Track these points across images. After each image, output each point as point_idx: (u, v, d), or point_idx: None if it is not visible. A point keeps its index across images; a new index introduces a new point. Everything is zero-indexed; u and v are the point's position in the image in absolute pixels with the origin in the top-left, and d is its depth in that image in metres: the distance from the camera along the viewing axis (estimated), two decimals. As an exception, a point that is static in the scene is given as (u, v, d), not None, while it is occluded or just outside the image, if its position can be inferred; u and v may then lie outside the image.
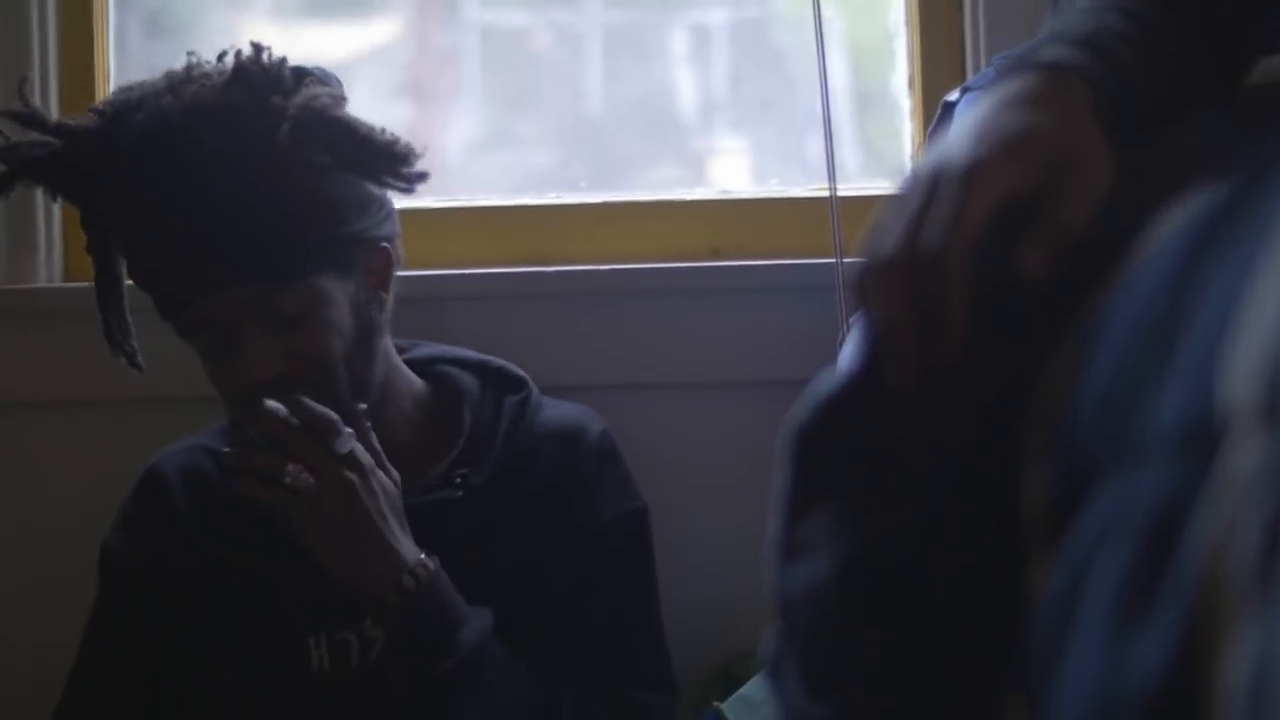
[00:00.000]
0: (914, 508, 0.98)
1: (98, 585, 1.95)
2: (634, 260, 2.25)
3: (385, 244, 1.89)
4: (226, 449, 1.78)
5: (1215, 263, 0.83)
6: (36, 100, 2.27)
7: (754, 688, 1.88)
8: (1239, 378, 0.73)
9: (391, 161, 1.80)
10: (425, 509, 1.89)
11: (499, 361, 2.03)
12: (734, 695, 1.90)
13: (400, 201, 2.35)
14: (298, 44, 2.42)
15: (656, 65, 2.55)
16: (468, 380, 2.00)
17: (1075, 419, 0.89)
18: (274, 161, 1.77)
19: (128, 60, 2.39)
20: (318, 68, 1.87)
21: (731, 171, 2.51)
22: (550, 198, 2.35)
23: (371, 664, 1.85)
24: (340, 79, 1.90)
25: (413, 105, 2.59)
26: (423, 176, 1.82)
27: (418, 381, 2.00)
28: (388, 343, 1.94)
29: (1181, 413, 0.78)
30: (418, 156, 1.81)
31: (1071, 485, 0.87)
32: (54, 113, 2.29)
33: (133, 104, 1.82)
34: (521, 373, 2.02)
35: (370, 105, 2.51)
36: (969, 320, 0.98)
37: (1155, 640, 0.76)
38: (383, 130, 1.80)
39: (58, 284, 2.28)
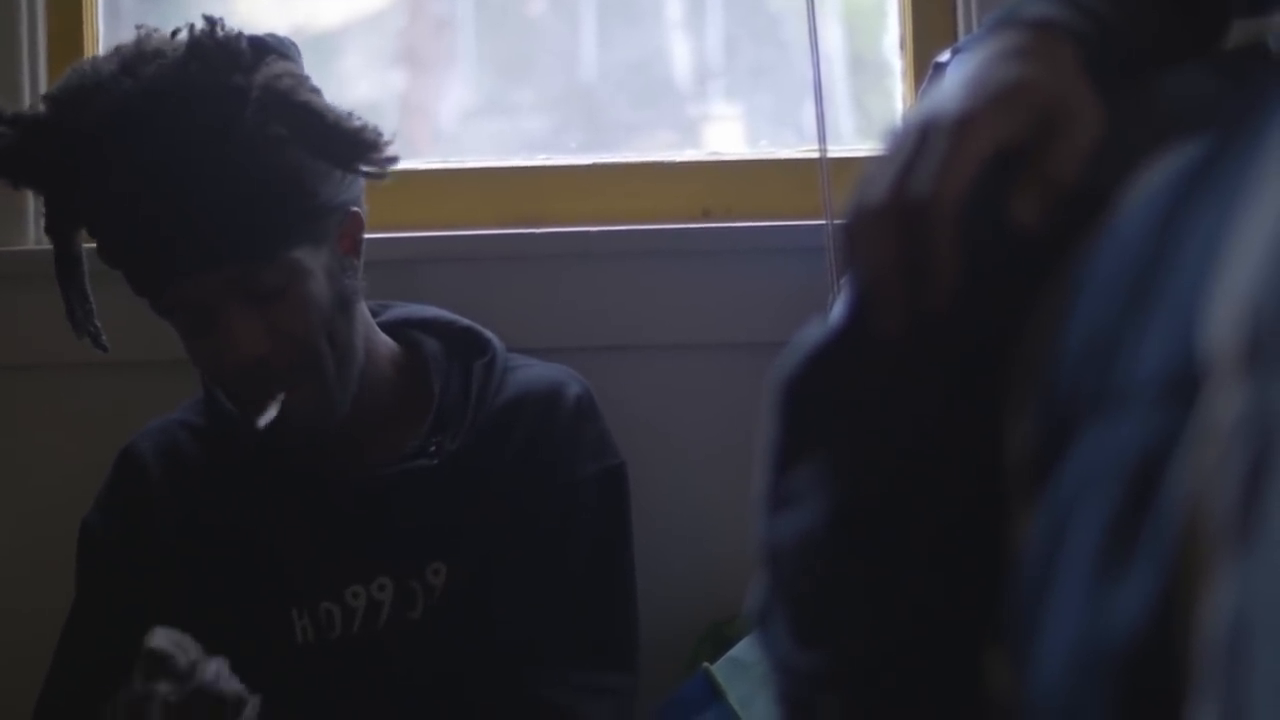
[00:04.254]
0: (900, 457, 0.98)
1: (78, 564, 1.96)
2: (624, 222, 2.25)
3: (355, 208, 1.88)
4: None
5: (1196, 213, 0.83)
6: (24, 68, 2.27)
7: (744, 649, 1.88)
8: (1218, 325, 0.73)
9: (362, 149, 1.77)
10: (402, 478, 1.89)
11: (465, 322, 2.02)
12: (724, 657, 1.91)
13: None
14: (292, 11, 2.42)
15: (651, 31, 2.54)
16: (432, 346, 1.99)
17: (1058, 368, 0.89)
18: (240, 143, 1.74)
19: (119, 27, 2.38)
20: (271, 35, 1.84)
21: (726, 137, 2.51)
22: (540, 159, 2.35)
23: (354, 632, 1.86)
24: (297, 45, 1.86)
25: (407, 72, 2.59)
26: (393, 160, 1.80)
27: (392, 346, 1.99)
28: (363, 306, 1.93)
29: (1162, 361, 0.78)
30: (388, 141, 1.79)
31: (1054, 434, 0.87)
32: (41, 81, 2.28)
33: (88, 89, 1.78)
34: (488, 335, 2.01)
35: (364, 72, 2.51)
36: (956, 269, 0.98)
37: (1135, 589, 0.76)
38: (349, 115, 1.77)
39: (46, 246, 2.28)
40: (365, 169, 1.78)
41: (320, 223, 1.82)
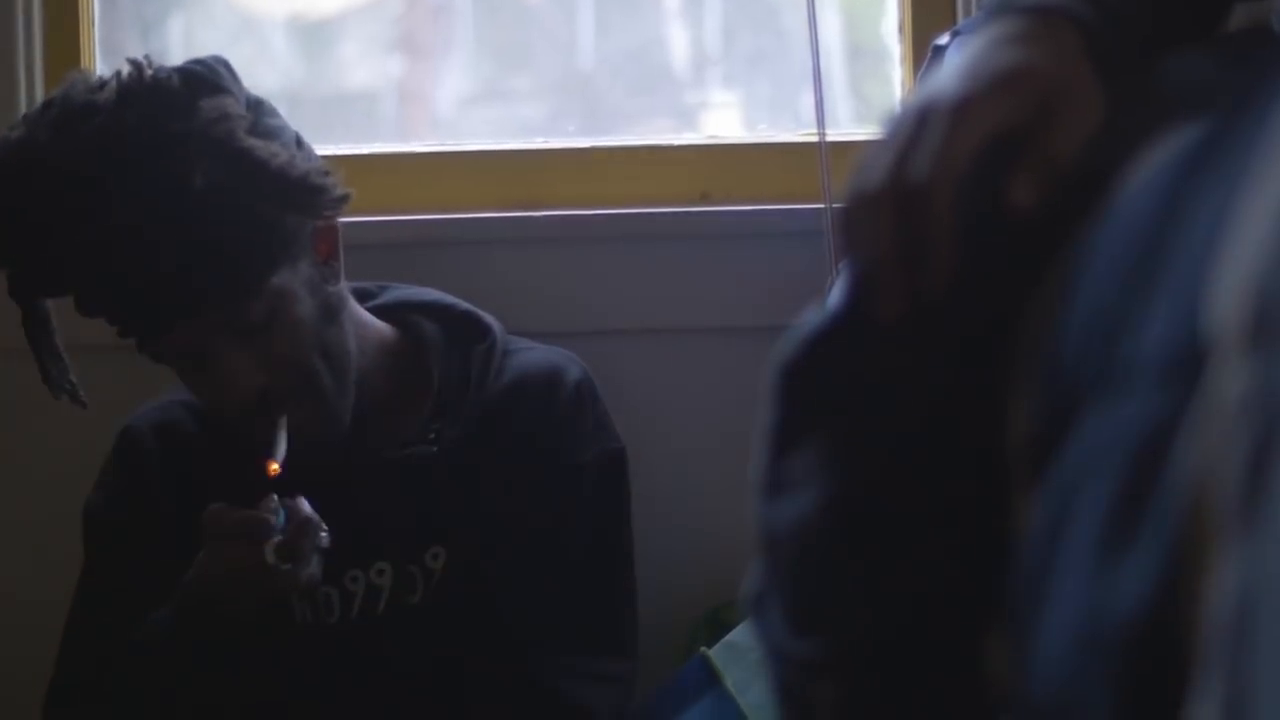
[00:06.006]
0: (899, 442, 0.98)
1: (84, 545, 1.96)
2: (623, 205, 2.24)
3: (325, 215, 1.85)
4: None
5: (1199, 193, 0.83)
6: (20, 64, 2.26)
7: (741, 634, 1.88)
8: (1222, 303, 0.72)
9: (305, 195, 1.76)
10: (401, 463, 1.89)
11: (464, 306, 2.01)
12: (721, 641, 1.91)
13: (390, 146, 2.35)
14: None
15: (649, 18, 2.54)
16: (432, 330, 1.98)
17: (1060, 350, 0.89)
18: (195, 193, 1.71)
19: (115, 23, 2.37)
20: (199, 63, 1.79)
21: (724, 124, 2.51)
22: (539, 143, 2.34)
23: (353, 617, 1.87)
24: (229, 64, 1.81)
25: (404, 58, 2.58)
26: (343, 200, 1.79)
27: (387, 330, 1.98)
28: (350, 303, 1.92)
29: (1165, 340, 0.78)
30: (334, 183, 1.78)
31: (1057, 415, 0.87)
32: (37, 78, 2.27)
33: (29, 160, 1.74)
34: (488, 320, 2.00)
35: (361, 59, 2.50)
36: (954, 253, 0.98)
37: (1139, 568, 0.76)
38: (292, 160, 1.75)
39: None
40: (313, 213, 1.77)
41: (293, 243, 1.80)
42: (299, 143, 1.83)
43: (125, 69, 1.77)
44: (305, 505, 1.75)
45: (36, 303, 1.81)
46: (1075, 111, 1.01)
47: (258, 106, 1.81)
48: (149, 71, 1.76)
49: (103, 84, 1.77)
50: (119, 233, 1.72)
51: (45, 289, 1.80)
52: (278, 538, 1.72)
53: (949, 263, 0.98)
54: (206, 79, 1.77)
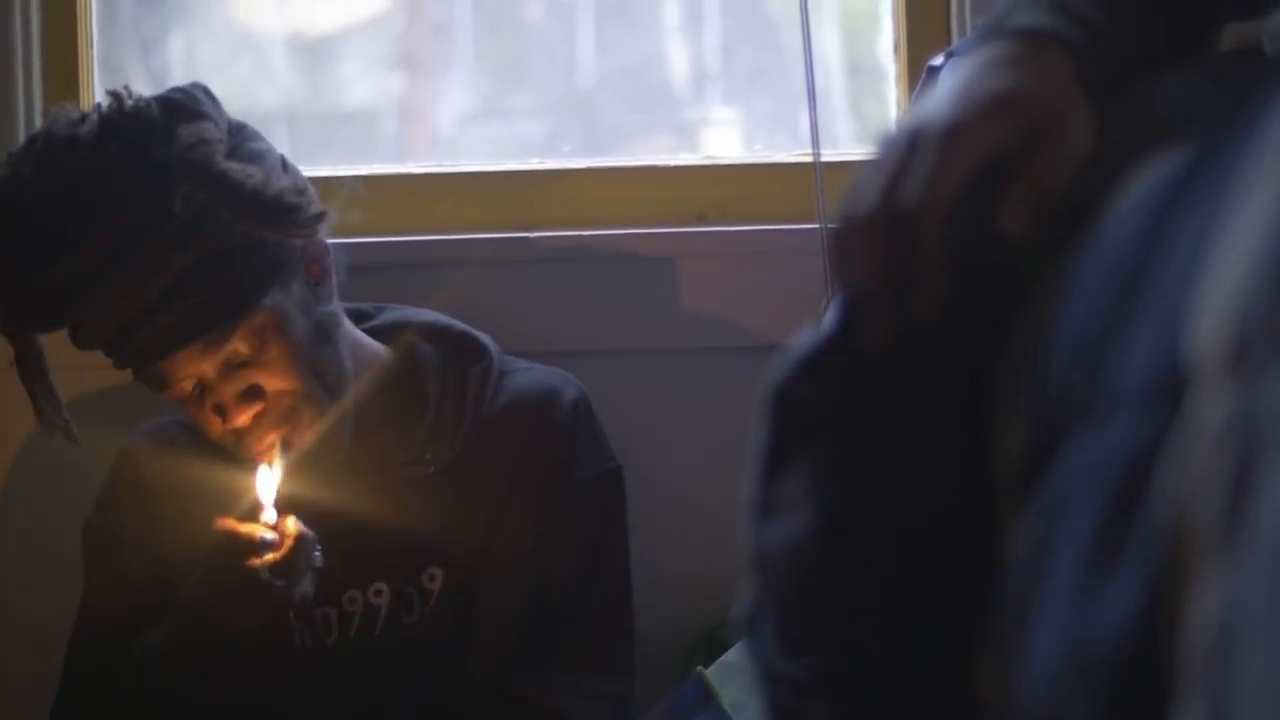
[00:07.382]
0: (890, 464, 0.98)
1: (85, 564, 1.97)
2: (619, 225, 2.25)
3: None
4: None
5: (1184, 217, 0.83)
6: (19, 83, 2.26)
7: (737, 653, 1.88)
8: (1205, 328, 0.73)
9: (280, 213, 1.76)
10: (399, 485, 1.89)
11: (461, 326, 2.01)
12: (717, 661, 1.91)
13: (389, 167, 2.35)
14: (290, 15, 2.42)
15: (648, 35, 2.54)
16: (428, 351, 1.98)
17: (1048, 373, 0.89)
18: (182, 219, 1.73)
19: (114, 28, 2.37)
20: (178, 90, 1.81)
21: (723, 142, 2.51)
22: (535, 163, 2.35)
23: (351, 637, 1.87)
24: (209, 90, 1.83)
25: (404, 76, 2.59)
26: (318, 219, 1.79)
27: (384, 351, 1.98)
28: (345, 323, 1.93)
29: (1150, 364, 0.79)
30: (310, 200, 1.79)
31: (1044, 438, 0.87)
32: (36, 98, 2.27)
33: (16, 197, 1.76)
34: (485, 340, 2.00)
35: (361, 76, 2.51)
36: (944, 278, 0.98)
37: (1123, 592, 0.76)
38: (266, 180, 1.76)
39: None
40: (290, 231, 1.77)
41: (282, 264, 1.81)
42: (284, 165, 1.84)
43: (105, 101, 1.79)
44: (299, 524, 1.75)
45: (30, 340, 1.82)
46: (1064, 137, 1.02)
47: (240, 131, 1.82)
48: (129, 102, 1.78)
49: (84, 118, 1.79)
50: (107, 262, 1.73)
51: (38, 323, 1.81)
52: (271, 554, 1.73)
53: (938, 287, 0.98)
54: (185, 105, 1.78)
